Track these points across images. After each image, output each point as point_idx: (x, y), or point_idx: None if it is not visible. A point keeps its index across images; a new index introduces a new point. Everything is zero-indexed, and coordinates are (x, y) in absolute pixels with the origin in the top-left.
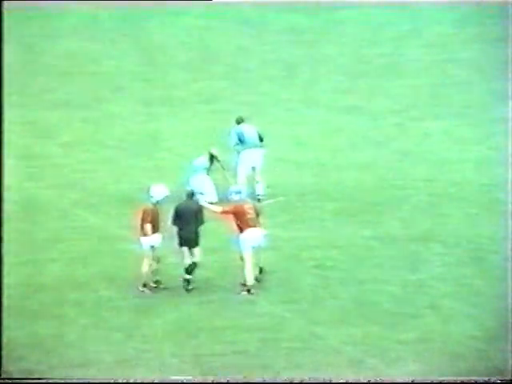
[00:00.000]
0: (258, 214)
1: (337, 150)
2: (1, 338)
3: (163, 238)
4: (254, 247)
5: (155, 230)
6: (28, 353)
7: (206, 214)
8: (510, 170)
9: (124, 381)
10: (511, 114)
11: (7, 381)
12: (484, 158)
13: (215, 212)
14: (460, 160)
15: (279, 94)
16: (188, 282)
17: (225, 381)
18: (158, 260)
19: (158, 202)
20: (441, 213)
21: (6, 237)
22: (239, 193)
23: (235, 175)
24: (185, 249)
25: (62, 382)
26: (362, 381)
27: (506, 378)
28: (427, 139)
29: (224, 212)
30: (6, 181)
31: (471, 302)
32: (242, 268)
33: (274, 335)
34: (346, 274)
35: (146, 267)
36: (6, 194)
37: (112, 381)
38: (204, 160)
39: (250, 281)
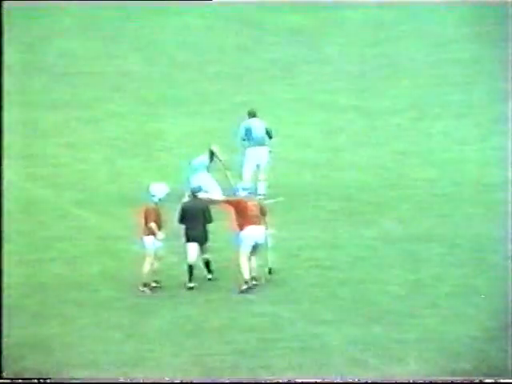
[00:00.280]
0: (264, 213)
1: (337, 150)
2: (1, 338)
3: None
4: (256, 245)
5: (158, 228)
6: (28, 353)
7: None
8: (510, 170)
9: (124, 381)
10: (511, 114)
11: (7, 381)
12: (484, 158)
13: (217, 201)
14: (460, 160)
15: (279, 93)
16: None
17: (225, 381)
18: (159, 259)
19: (159, 200)
20: (441, 213)
21: (5, 237)
22: (246, 189)
23: (236, 175)
24: (191, 245)
25: (62, 382)
26: (362, 381)
27: (506, 378)
28: (427, 139)
29: (226, 202)
30: (6, 181)
31: (471, 302)
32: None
33: (274, 335)
34: (346, 274)
35: (147, 266)
36: (6, 194)
37: (112, 381)
38: (204, 158)
39: (247, 274)
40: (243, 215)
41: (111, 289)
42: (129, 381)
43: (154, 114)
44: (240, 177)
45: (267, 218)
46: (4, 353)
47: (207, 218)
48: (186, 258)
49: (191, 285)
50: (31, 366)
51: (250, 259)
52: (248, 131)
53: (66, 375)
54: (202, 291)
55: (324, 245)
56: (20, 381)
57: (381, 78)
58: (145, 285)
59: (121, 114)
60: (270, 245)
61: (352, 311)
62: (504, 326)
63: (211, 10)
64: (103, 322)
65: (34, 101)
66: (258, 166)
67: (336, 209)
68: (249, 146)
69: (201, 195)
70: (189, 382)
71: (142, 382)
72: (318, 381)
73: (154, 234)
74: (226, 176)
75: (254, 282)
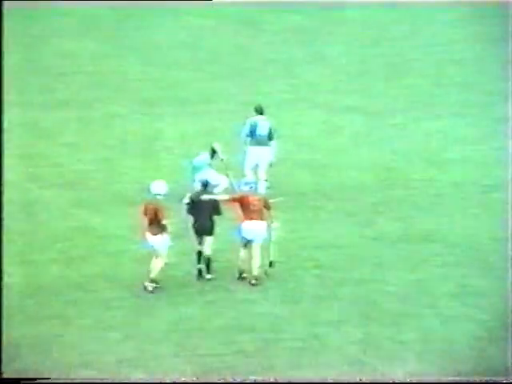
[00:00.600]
0: (268, 207)
1: (337, 150)
2: (1, 337)
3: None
4: (250, 241)
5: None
6: (28, 353)
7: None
8: (510, 170)
9: (124, 381)
10: (511, 114)
11: (7, 381)
12: (484, 158)
13: (223, 200)
14: (460, 160)
15: (279, 93)
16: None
17: (225, 381)
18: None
19: (162, 197)
20: (441, 213)
21: (5, 237)
22: (249, 184)
23: (236, 174)
24: (206, 238)
25: (62, 382)
26: (362, 381)
27: (506, 378)
28: (427, 139)
29: (231, 200)
30: (7, 181)
31: (471, 302)
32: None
33: (274, 335)
34: (346, 274)
35: (159, 265)
36: (6, 194)
37: (112, 381)
38: (205, 156)
39: (243, 266)
40: (244, 210)
41: (111, 289)
42: (129, 381)
43: (154, 113)
44: (240, 175)
45: (272, 212)
46: (4, 353)
47: (216, 210)
48: (184, 255)
49: (209, 276)
50: (31, 366)
51: (245, 251)
52: (253, 129)
53: (65, 375)
54: (202, 291)
55: (324, 245)
56: (20, 381)
57: (381, 78)
58: (152, 281)
59: (121, 114)
60: (273, 238)
61: (352, 311)
62: (504, 326)
63: (211, 10)
64: (103, 322)
65: (33, 101)
66: (257, 166)
67: (336, 209)
68: (250, 145)
69: (204, 197)
70: (189, 382)
71: (142, 382)
72: (318, 381)
73: (166, 231)
74: (227, 175)
75: (242, 275)
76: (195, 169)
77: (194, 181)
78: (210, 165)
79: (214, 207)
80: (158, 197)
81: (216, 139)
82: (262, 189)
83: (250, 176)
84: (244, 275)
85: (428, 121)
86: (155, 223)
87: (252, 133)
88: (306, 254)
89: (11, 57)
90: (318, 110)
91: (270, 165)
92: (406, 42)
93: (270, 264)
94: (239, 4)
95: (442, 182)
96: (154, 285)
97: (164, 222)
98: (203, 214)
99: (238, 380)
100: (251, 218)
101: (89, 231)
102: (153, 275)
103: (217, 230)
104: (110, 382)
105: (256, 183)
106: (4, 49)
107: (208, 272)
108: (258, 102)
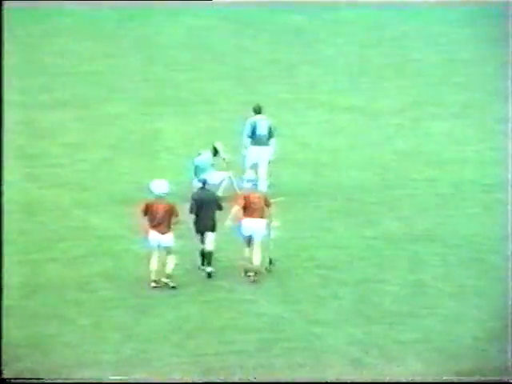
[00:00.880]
0: (268, 204)
1: (337, 150)
2: (1, 338)
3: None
4: (251, 238)
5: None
6: (28, 353)
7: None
8: (510, 170)
9: (124, 381)
10: (511, 114)
11: (7, 381)
12: (484, 158)
13: (237, 212)
14: (460, 160)
15: (279, 93)
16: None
17: (225, 381)
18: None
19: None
20: (441, 213)
21: (5, 237)
22: (251, 181)
23: (237, 174)
24: (208, 234)
25: (62, 382)
26: (362, 381)
27: (506, 378)
28: (427, 139)
29: (240, 206)
30: (6, 181)
31: (471, 302)
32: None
33: (274, 335)
34: (346, 274)
35: (172, 264)
36: (6, 194)
37: (112, 381)
38: (208, 156)
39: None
40: (245, 207)
41: (111, 289)
42: (129, 381)
43: (153, 113)
44: (241, 175)
45: (272, 210)
46: (4, 353)
47: (219, 206)
48: (184, 255)
49: (210, 269)
50: (31, 366)
51: (248, 250)
52: (253, 129)
53: (65, 375)
54: (202, 291)
55: (324, 245)
56: (20, 381)
57: (381, 78)
58: (168, 276)
59: (121, 114)
60: (272, 236)
61: (352, 311)
62: (504, 326)
63: (211, 10)
64: (103, 322)
65: (34, 101)
66: (257, 165)
67: (336, 209)
68: (251, 144)
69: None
70: (189, 382)
71: (141, 382)
72: (318, 381)
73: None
74: (228, 174)
75: (248, 274)
76: (198, 169)
77: (197, 180)
78: (212, 165)
79: (216, 203)
80: (162, 196)
81: (216, 139)
82: (263, 188)
83: (251, 174)
84: (249, 274)
85: (428, 121)
86: (166, 222)
87: (252, 133)
88: (306, 254)
89: (11, 57)
90: (318, 110)
91: (269, 162)
92: (406, 42)
93: (270, 261)
94: (239, 4)
95: (442, 182)
96: (171, 283)
97: (178, 219)
98: (205, 211)
99: (238, 380)
100: (252, 216)
101: (89, 231)
102: (169, 271)
103: (217, 229)
104: (110, 382)
105: (257, 181)
106: (4, 49)
107: (209, 265)
108: (257, 102)
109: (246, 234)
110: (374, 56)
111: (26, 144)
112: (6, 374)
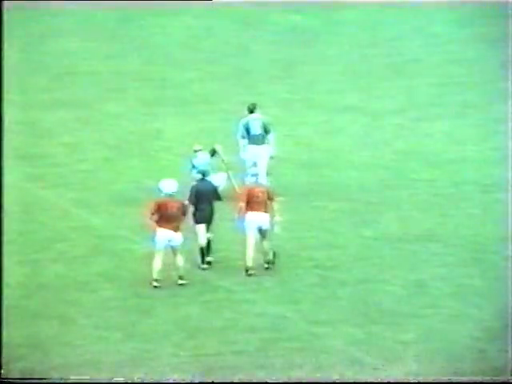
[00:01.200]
0: (271, 198)
1: (337, 150)
2: (1, 338)
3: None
4: (261, 230)
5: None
6: (28, 353)
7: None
8: (510, 170)
9: (124, 381)
10: (511, 114)
11: (7, 381)
12: (484, 158)
13: (237, 193)
14: (460, 160)
15: (279, 93)
16: (209, 262)
17: (225, 381)
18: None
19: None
20: (441, 213)
21: (5, 237)
22: (255, 175)
23: (237, 175)
24: (201, 226)
25: (62, 382)
26: (362, 381)
27: (506, 378)
28: (427, 139)
29: (241, 195)
30: (6, 181)
31: (471, 302)
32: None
33: (274, 335)
34: (346, 274)
35: (181, 261)
36: (6, 194)
37: (112, 381)
38: (206, 158)
39: (249, 262)
40: (248, 202)
41: (111, 289)
42: (129, 381)
43: (153, 113)
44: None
45: (275, 204)
46: (4, 353)
47: (218, 197)
48: (184, 255)
49: (205, 266)
50: (31, 366)
51: (261, 244)
52: (246, 129)
53: (65, 375)
54: (202, 291)
55: (324, 245)
56: (19, 381)
57: (381, 78)
58: (181, 277)
59: (120, 114)
60: (275, 230)
61: (352, 311)
62: (504, 326)
63: (211, 10)
64: (103, 322)
65: (34, 101)
66: (255, 164)
67: (336, 209)
68: (248, 144)
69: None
70: (189, 382)
71: (142, 382)
72: (318, 381)
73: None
74: (229, 176)
75: (265, 266)
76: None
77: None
78: (209, 164)
79: (216, 195)
80: (172, 194)
81: (216, 139)
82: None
83: (254, 169)
84: (266, 266)
85: (428, 121)
86: (179, 219)
87: (247, 133)
88: (306, 254)
89: (11, 57)
90: (318, 110)
91: (271, 157)
92: (406, 42)
93: (274, 255)
94: (239, 4)
95: (442, 182)
96: (184, 281)
97: (183, 217)
98: (206, 203)
99: (238, 380)
100: (254, 209)
101: (89, 231)
102: (182, 271)
103: (217, 229)
104: (110, 382)
105: (258, 173)
106: (4, 49)
107: (208, 255)
108: (255, 102)
109: (253, 227)
110: (374, 56)
111: (26, 144)
112: (6, 374)
